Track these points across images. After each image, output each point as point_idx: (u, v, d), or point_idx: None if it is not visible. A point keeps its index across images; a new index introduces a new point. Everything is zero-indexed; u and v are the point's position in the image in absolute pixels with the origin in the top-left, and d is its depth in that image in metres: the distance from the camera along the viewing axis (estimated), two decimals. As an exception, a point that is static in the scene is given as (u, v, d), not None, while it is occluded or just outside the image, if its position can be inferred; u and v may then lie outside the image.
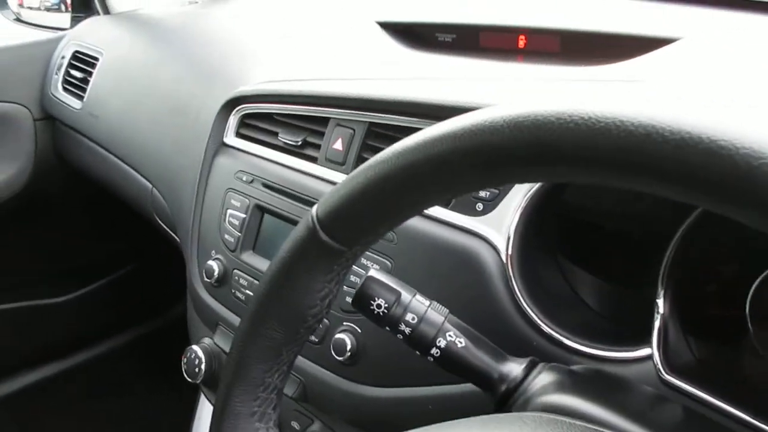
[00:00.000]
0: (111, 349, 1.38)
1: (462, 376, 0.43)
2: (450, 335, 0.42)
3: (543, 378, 0.40)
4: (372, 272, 0.43)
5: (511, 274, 0.51)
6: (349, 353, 0.58)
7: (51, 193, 1.23)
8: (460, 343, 0.42)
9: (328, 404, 0.63)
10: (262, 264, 0.68)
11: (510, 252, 0.52)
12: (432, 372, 0.54)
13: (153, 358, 1.41)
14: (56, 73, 1.17)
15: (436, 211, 0.57)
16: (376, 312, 0.43)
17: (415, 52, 0.71)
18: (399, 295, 0.43)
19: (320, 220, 0.34)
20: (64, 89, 1.14)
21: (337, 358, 0.58)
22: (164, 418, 1.29)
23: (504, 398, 0.41)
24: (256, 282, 0.68)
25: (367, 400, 0.58)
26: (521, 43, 0.71)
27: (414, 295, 0.43)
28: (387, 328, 0.43)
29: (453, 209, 0.56)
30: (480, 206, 0.55)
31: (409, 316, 0.42)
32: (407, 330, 0.42)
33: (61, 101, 1.14)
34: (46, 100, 1.18)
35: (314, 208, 0.35)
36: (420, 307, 0.43)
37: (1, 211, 1.17)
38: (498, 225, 0.53)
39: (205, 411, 0.83)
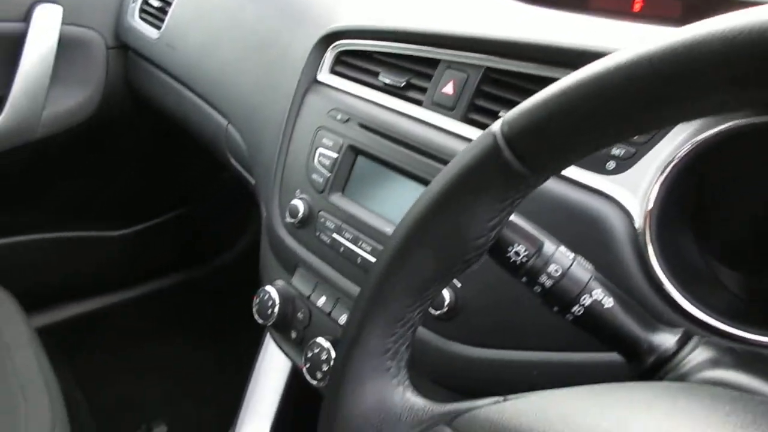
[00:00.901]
0: (161, 289, 1.38)
1: (602, 341, 0.39)
2: (597, 293, 0.38)
3: (701, 353, 0.36)
4: (512, 217, 0.39)
5: (647, 242, 0.47)
6: (446, 308, 0.54)
7: (118, 123, 1.21)
8: (608, 303, 0.38)
9: (416, 360, 0.59)
10: (350, 207, 0.65)
11: (646, 218, 0.47)
12: (541, 335, 0.51)
13: (204, 301, 1.40)
14: (133, 1, 1.14)
15: (558, 166, 0.53)
16: (512, 260, 0.39)
17: (523, 4, 0.65)
18: (542, 244, 0.38)
19: (507, 136, 0.30)
20: (141, 18, 1.12)
21: (433, 311, 0.55)
22: (212, 362, 1.29)
23: (653, 370, 0.37)
24: (343, 224, 0.65)
25: (460, 359, 0.55)
26: (637, 6, 0.65)
27: (558, 246, 0.39)
28: (524, 279, 0.39)
29: (580, 165, 0.52)
30: (612, 165, 0.50)
31: (552, 268, 0.38)
32: (548, 283, 0.38)
33: (137, 30, 1.11)
34: (121, 27, 1.15)
35: (499, 123, 0.31)
36: (565, 259, 0.38)
37: (67, 137, 1.15)
38: (633, 187, 0.48)
39: (269, 354, 0.80)
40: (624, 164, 0.50)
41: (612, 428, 0.27)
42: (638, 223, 0.48)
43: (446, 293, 0.54)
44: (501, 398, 0.31)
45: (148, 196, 1.35)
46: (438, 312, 0.55)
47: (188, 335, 1.35)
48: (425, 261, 0.33)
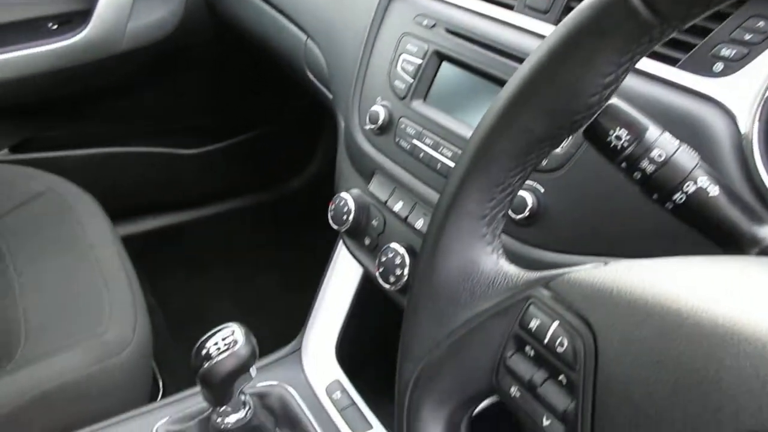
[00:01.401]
0: (234, 209, 1.41)
1: (703, 231, 0.37)
2: (702, 181, 0.36)
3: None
4: (614, 100, 0.37)
5: (753, 147, 0.44)
6: (527, 212, 0.53)
7: (197, 40, 1.23)
8: (713, 191, 0.36)
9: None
10: (432, 113, 0.64)
11: (753, 122, 0.45)
12: (627, 240, 0.49)
13: (274, 222, 1.44)
14: None
15: (659, 69, 0.50)
16: (613, 145, 0.37)
17: None
18: (646, 128, 0.37)
19: None
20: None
21: (513, 215, 0.54)
22: (282, 279, 1.33)
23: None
24: (424, 130, 0.64)
25: (539, 265, 0.54)
26: None
27: (662, 132, 0.37)
28: (622, 165, 0.38)
29: (682, 68, 0.49)
30: (719, 66, 0.47)
31: (655, 153, 0.36)
32: (650, 168, 0.37)
33: (220, -55, 1.11)
34: (204, -57, 1.16)
35: None
36: (669, 145, 0.37)
37: (149, 52, 1.18)
38: (741, 90, 0.46)
39: (340, 262, 0.82)
40: (733, 66, 0.47)
41: (714, 294, 0.26)
42: (744, 127, 0.45)
43: (528, 197, 0.53)
44: (601, 263, 0.30)
45: (224, 117, 1.37)
46: (519, 216, 0.54)
47: (259, 254, 1.39)
48: (533, 119, 0.32)
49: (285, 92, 1.37)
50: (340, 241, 0.82)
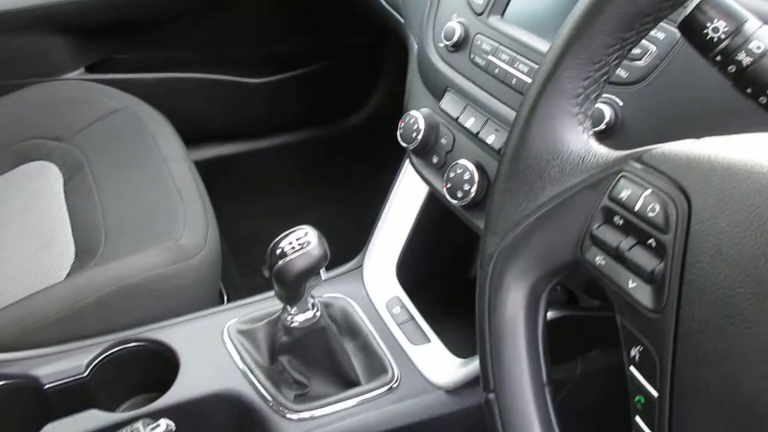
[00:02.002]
0: (296, 141, 1.44)
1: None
2: (800, 76, 0.36)
3: None
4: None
5: None
6: (604, 125, 0.54)
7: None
8: (810, 86, 0.36)
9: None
10: (509, 29, 0.64)
11: None
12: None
13: (335, 155, 1.46)
14: None
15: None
16: (709, 37, 0.37)
17: None
18: (745, 20, 0.36)
19: None
20: None
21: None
22: (342, 210, 1.36)
23: None
24: (500, 46, 0.64)
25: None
26: None
27: (762, 24, 0.37)
28: (717, 58, 0.37)
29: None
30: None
31: (753, 45, 0.36)
32: (747, 61, 0.36)
33: None
34: None
35: None
36: (770, 37, 0.36)
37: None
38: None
39: (405, 180, 0.83)
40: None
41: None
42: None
43: (606, 110, 0.54)
44: (695, 139, 0.31)
45: (290, 48, 1.38)
46: (595, 129, 0.54)
47: (318, 185, 1.42)
48: None
49: (348, 26, 1.37)
50: (406, 162, 0.83)
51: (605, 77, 0.35)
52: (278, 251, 0.63)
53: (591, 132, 0.36)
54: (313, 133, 1.46)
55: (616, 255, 0.31)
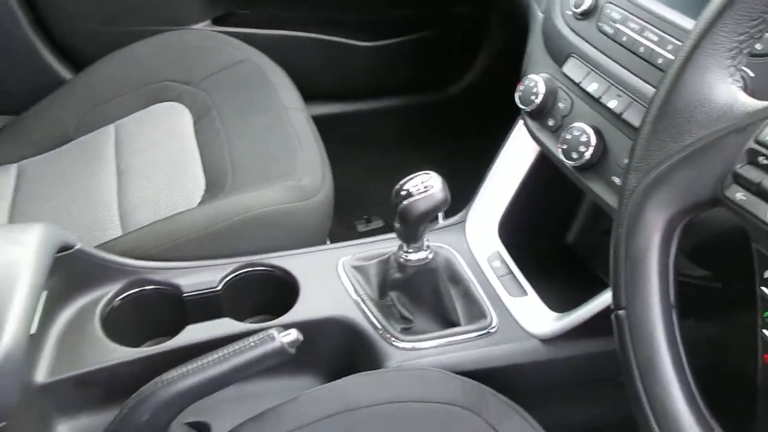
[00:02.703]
0: (399, 105, 1.50)
1: None
2: None
3: None
4: None
5: None
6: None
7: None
8: None
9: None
10: None
11: None
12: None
13: (441, 118, 1.51)
14: None
15: None
16: None
17: None
18: None
19: None
20: None
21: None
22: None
23: None
24: (630, 15, 0.67)
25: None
26: None
27: None
28: None
29: None
30: None
31: None
32: None
33: None
34: None
35: None
36: None
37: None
38: None
39: (515, 141, 0.88)
40: None
41: None
42: None
43: (736, 80, 0.56)
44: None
45: (400, 14, 1.44)
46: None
47: (422, 148, 1.48)
48: None
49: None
50: (517, 125, 0.88)
51: (761, 34, 0.38)
52: (404, 192, 0.69)
53: (740, 84, 0.39)
54: (417, 98, 1.52)
55: (758, 191, 0.35)
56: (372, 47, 1.43)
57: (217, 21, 1.32)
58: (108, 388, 0.69)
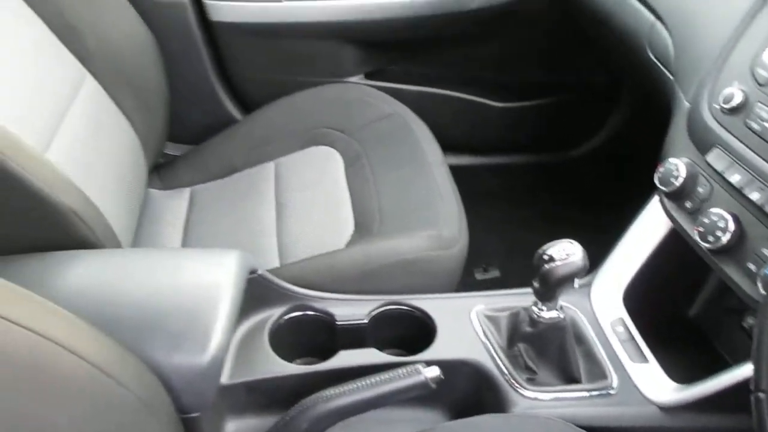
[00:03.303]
0: (528, 161, 1.58)
1: None
2: None
3: None
4: None
5: None
6: None
7: (533, 8, 1.38)
8: None
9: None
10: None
11: None
12: None
13: (558, 181, 1.58)
14: None
15: None
16: None
17: None
18: None
19: None
20: None
21: None
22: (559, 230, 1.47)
23: None
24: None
25: None
26: None
27: None
28: None
29: None
30: None
31: None
32: None
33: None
34: None
35: None
36: None
37: (487, 13, 1.36)
38: None
39: (648, 215, 0.93)
40: None
41: None
42: None
43: None
44: None
45: (534, 78, 1.53)
46: None
47: (545, 205, 1.55)
48: None
49: (596, 64, 1.48)
50: (652, 200, 0.93)
51: None
52: (546, 257, 0.76)
53: None
54: (542, 157, 1.60)
55: None
56: (505, 108, 1.53)
57: (369, 75, 1.47)
58: (271, 395, 0.80)
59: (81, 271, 0.68)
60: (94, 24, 1.07)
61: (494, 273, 1.49)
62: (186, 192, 1.27)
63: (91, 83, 1.06)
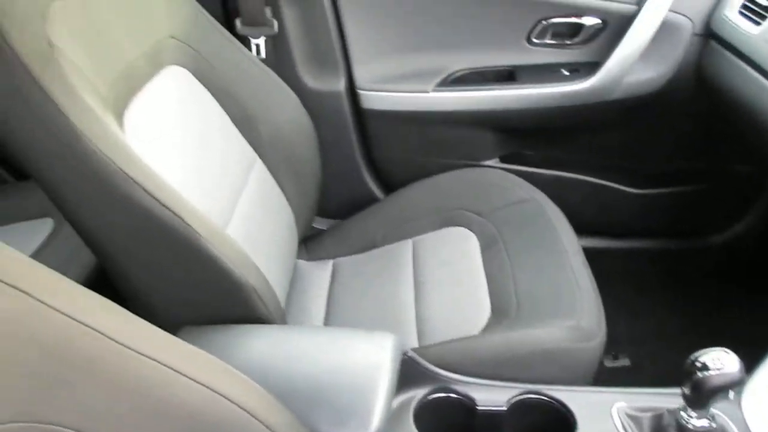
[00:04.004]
0: (658, 247, 1.56)
1: None
2: None
3: None
4: None
5: None
6: None
7: (676, 100, 1.39)
8: None
9: None
10: None
11: None
12: None
13: (691, 270, 1.54)
14: (734, -6, 1.28)
15: None
16: None
17: None
18: None
19: None
20: (740, 12, 1.25)
21: None
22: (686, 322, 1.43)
23: None
24: None
25: None
26: None
27: None
28: None
29: None
30: None
31: None
32: None
33: (732, 22, 1.25)
34: (715, 18, 1.30)
35: None
36: None
37: (631, 103, 1.39)
38: None
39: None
40: None
41: None
42: None
43: None
44: None
45: (671, 166, 1.52)
46: None
47: (671, 293, 1.52)
48: None
49: (735, 154, 1.45)
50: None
51: None
52: (699, 364, 0.76)
53: None
54: (677, 243, 1.57)
55: None
56: (641, 194, 1.52)
57: (504, 158, 1.53)
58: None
59: (262, 346, 0.76)
60: (266, 113, 1.21)
61: (624, 361, 1.46)
62: (329, 264, 1.36)
63: (260, 166, 1.19)
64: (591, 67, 1.38)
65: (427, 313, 1.14)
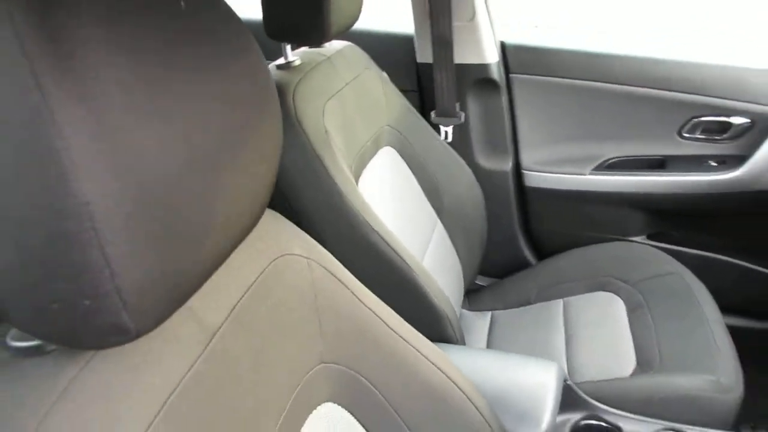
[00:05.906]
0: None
1: None
2: None
3: None
4: None
5: None
6: None
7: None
8: None
9: None
10: None
11: None
12: None
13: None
14: None
15: None
16: None
17: None
18: None
19: None
20: None
21: None
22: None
23: None
24: None
25: None
26: None
27: None
28: None
29: None
30: None
31: None
32: None
33: None
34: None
35: None
36: None
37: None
38: None
39: None
40: None
41: None
42: None
43: None
44: None
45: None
46: None
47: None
48: None
49: None
50: None
51: None
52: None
53: None
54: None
55: None
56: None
57: (651, 236, 1.70)
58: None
59: (457, 358, 1.01)
60: (447, 185, 1.50)
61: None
62: (488, 315, 1.60)
63: (440, 227, 1.48)
64: (738, 159, 1.54)
65: (577, 359, 1.33)
